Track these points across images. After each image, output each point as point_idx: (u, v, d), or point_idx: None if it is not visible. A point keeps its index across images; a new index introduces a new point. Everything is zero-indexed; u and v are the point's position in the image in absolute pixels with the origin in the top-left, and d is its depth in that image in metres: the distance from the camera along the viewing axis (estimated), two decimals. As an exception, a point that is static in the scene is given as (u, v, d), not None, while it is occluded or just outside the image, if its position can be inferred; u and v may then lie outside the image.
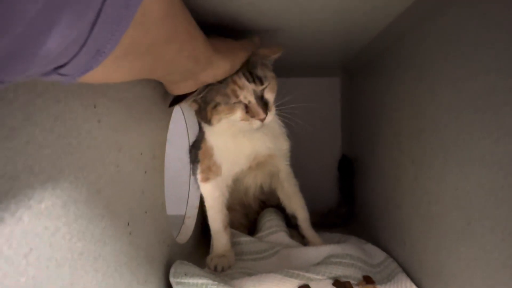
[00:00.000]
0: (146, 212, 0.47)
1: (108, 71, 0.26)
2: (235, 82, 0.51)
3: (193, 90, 0.47)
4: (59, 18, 0.17)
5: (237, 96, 0.52)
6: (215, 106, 0.53)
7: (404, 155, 0.58)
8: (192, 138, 0.83)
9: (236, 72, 0.51)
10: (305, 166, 0.75)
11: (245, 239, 0.71)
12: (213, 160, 0.65)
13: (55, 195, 0.28)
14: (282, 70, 0.62)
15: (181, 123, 0.83)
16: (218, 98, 0.52)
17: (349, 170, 0.94)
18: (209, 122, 0.55)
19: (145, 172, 0.48)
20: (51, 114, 0.27)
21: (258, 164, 0.67)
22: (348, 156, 0.96)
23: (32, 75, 0.18)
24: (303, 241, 0.73)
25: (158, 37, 0.29)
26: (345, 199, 0.92)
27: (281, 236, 0.72)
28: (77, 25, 0.18)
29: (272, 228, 0.74)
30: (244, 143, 0.63)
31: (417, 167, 0.53)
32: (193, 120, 0.83)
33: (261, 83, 0.53)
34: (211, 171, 0.66)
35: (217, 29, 0.52)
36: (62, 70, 0.21)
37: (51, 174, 0.27)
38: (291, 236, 0.73)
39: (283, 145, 0.69)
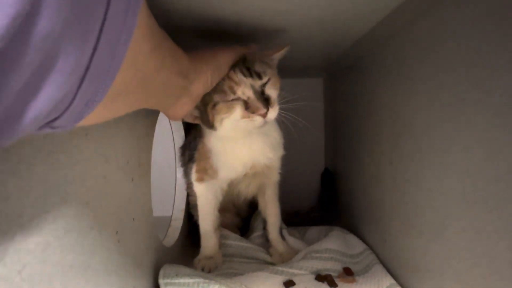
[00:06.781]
0: (133, 220, 0.48)
1: (100, 113, 0.26)
2: (231, 78, 0.50)
3: (191, 107, 0.46)
4: (47, 82, 0.17)
5: (234, 92, 0.50)
6: (214, 106, 0.51)
7: (384, 156, 0.61)
8: (178, 141, 0.83)
9: (232, 68, 0.50)
10: (288, 166, 0.77)
11: (238, 243, 0.73)
12: (210, 163, 0.65)
13: (45, 211, 0.28)
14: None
15: (166, 125, 0.83)
16: (216, 97, 0.50)
17: (331, 183, 0.98)
18: (212, 125, 0.53)
19: (132, 179, 0.49)
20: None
21: (254, 174, 0.67)
22: (330, 169, 1.00)
23: (24, 134, 0.18)
24: (304, 239, 0.76)
25: (148, 69, 0.30)
26: (323, 206, 0.96)
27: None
28: (65, 86, 0.18)
29: None
30: (242, 150, 0.63)
31: (395, 168, 0.56)
32: (178, 123, 0.83)
33: (259, 77, 0.52)
34: (206, 174, 0.66)
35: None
36: (53, 124, 0.21)
37: (41, 191, 0.28)
38: (290, 234, 0.75)
39: (279, 154, 0.69)
